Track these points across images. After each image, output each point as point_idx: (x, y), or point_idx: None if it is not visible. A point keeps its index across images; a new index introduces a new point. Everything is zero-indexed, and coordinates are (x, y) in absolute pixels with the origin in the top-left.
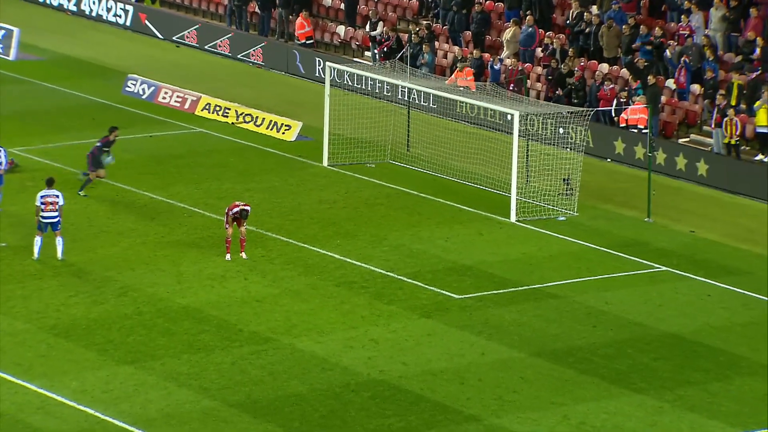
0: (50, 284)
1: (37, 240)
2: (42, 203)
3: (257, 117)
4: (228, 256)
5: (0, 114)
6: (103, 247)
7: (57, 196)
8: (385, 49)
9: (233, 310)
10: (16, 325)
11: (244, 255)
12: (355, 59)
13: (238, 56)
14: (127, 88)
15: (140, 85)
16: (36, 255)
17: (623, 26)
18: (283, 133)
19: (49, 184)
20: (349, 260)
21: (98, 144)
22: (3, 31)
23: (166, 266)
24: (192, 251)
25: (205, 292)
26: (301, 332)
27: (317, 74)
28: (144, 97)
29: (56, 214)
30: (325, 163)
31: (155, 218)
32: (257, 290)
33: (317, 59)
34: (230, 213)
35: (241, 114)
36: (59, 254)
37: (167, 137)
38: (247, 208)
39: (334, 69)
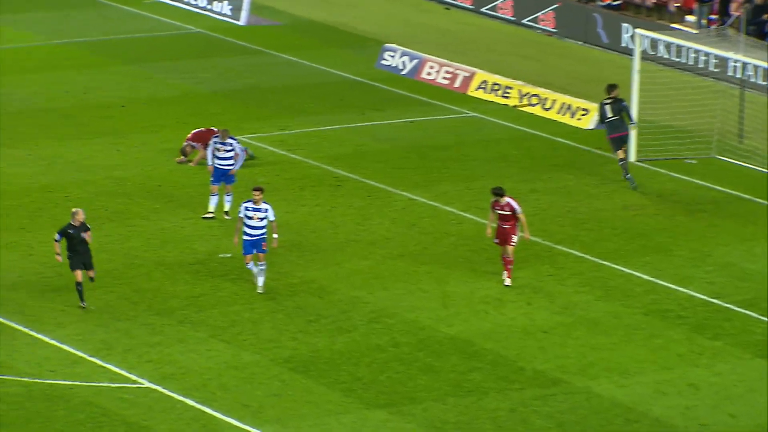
0: (285, 306)
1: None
2: (245, 215)
3: (546, 99)
4: (506, 277)
5: (224, 93)
6: (350, 261)
7: (266, 210)
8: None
9: (512, 343)
10: (244, 357)
11: (507, 280)
12: (673, 25)
13: (523, 21)
14: (383, 61)
15: (400, 57)
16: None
17: None
18: (579, 119)
19: (256, 190)
20: (661, 282)
21: (625, 103)
22: None
23: (428, 286)
24: (461, 267)
25: (478, 320)
26: (599, 373)
27: (624, 44)
28: (404, 72)
29: (262, 231)
30: (633, 157)
31: (416, 225)
32: (543, 318)
33: (624, 25)
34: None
35: (525, 94)
36: (259, 284)
37: (432, 123)
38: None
39: (646, 37)
